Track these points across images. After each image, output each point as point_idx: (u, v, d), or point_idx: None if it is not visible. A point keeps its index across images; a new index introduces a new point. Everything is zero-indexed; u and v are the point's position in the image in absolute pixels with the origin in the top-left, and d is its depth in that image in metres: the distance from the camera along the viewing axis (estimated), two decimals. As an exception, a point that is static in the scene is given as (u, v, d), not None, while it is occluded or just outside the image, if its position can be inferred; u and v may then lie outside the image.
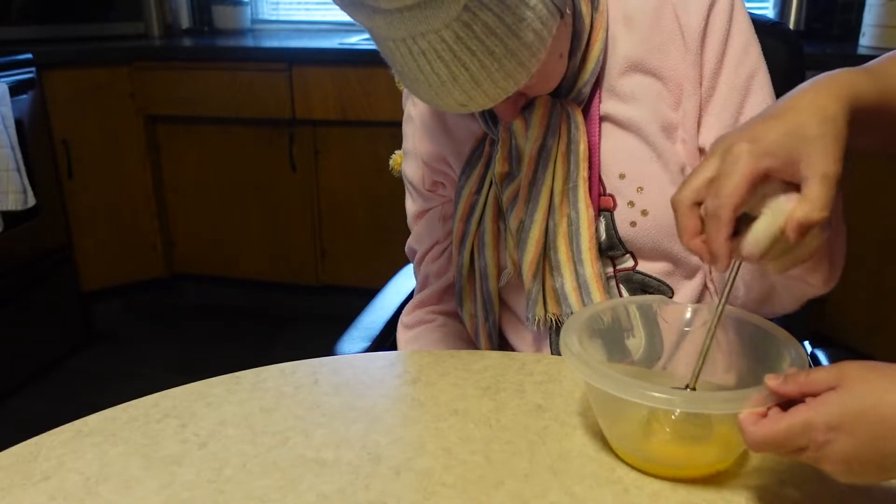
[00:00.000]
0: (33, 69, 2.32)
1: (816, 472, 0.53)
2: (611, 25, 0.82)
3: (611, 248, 0.84)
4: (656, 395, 0.55)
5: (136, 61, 2.52)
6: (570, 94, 0.82)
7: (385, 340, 1.02)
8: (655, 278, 0.84)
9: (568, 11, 0.74)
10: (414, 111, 0.95)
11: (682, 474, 0.61)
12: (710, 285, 0.88)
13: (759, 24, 0.86)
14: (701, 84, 0.81)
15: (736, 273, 0.60)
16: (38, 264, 2.40)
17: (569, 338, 0.62)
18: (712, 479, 0.60)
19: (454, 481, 0.61)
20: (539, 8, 0.67)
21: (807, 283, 0.71)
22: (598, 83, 0.83)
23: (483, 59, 0.65)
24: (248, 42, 2.65)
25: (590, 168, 0.82)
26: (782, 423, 0.50)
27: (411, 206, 1.01)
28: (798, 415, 0.50)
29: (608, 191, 0.83)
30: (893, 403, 0.47)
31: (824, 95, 0.56)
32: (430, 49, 0.64)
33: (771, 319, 0.67)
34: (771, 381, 0.53)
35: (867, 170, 1.99)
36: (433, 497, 0.59)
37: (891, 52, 0.65)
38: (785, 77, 0.97)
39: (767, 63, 0.82)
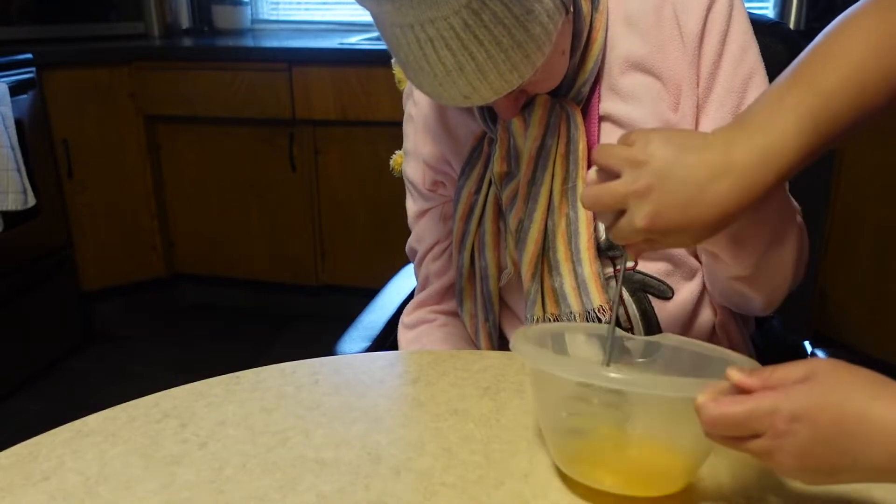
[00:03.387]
0: (33, 69, 2.31)
1: (798, 486, 0.52)
2: (611, 25, 0.82)
3: (610, 248, 0.84)
4: (611, 375, 0.55)
5: (136, 61, 2.51)
6: (570, 93, 0.82)
7: (385, 340, 1.02)
8: (656, 278, 0.84)
9: (571, 8, 0.74)
10: (414, 111, 0.95)
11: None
12: (708, 286, 0.88)
13: (759, 24, 0.86)
14: (698, 85, 0.81)
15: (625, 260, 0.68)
16: (38, 264, 2.40)
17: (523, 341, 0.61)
18: (712, 482, 0.60)
19: (454, 481, 0.61)
20: (546, 1, 0.67)
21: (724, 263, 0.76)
22: (597, 82, 0.83)
23: (490, 48, 0.65)
24: (248, 42, 2.65)
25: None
26: (746, 403, 0.49)
27: (412, 205, 1.01)
28: (765, 398, 0.48)
29: (608, 191, 0.83)
30: (861, 402, 0.47)
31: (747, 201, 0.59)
32: (438, 36, 0.64)
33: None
34: (735, 373, 0.50)
35: (867, 171, 1.99)
36: (433, 497, 0.59)
37: (812, 52, 0.67)
38: (785, 77, 0.96)
39: (767, 63, 0.82)
